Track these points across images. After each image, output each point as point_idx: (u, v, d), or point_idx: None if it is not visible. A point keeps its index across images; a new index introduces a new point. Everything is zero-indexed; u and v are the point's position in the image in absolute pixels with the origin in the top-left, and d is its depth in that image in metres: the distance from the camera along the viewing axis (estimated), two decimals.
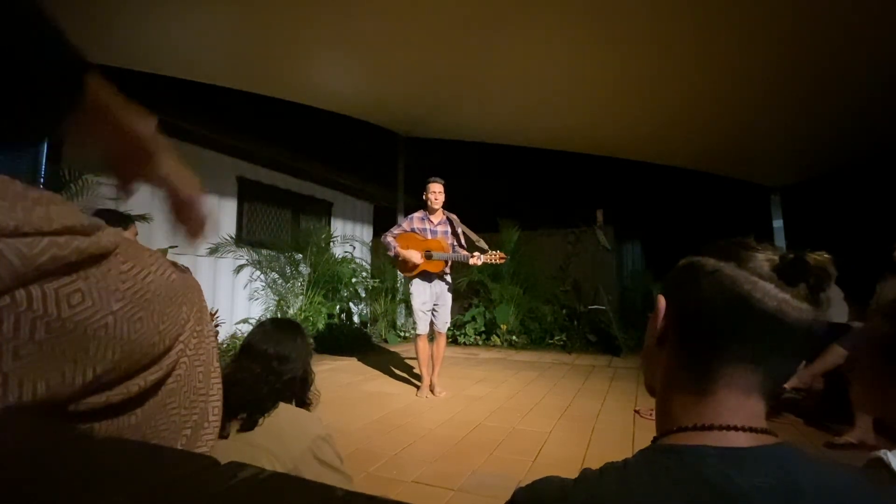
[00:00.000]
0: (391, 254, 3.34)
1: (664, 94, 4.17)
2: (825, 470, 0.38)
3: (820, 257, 0.41)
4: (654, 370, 0.50)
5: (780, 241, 6.02)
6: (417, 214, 3.44)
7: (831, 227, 5.97)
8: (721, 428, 0.41)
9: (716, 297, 0.43)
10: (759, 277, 0.41)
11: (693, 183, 7.09)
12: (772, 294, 0.41)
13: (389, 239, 3.34)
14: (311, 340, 1.23)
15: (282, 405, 1.05)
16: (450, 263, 3.40)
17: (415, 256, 3.25)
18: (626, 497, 0.39)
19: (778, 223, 6.16)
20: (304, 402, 1.14)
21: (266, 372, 1.07)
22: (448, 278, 3.43)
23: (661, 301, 0.49)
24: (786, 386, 2.60)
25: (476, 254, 3.30)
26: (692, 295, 0.45)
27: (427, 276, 3.35)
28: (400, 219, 3.62)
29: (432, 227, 3.40)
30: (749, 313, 0.41)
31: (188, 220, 0.57)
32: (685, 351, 0.46)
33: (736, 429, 0.41)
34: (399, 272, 3.73)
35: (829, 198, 6.20)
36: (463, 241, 3.47)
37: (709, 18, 3.02)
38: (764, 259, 0.42)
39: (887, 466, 0.60)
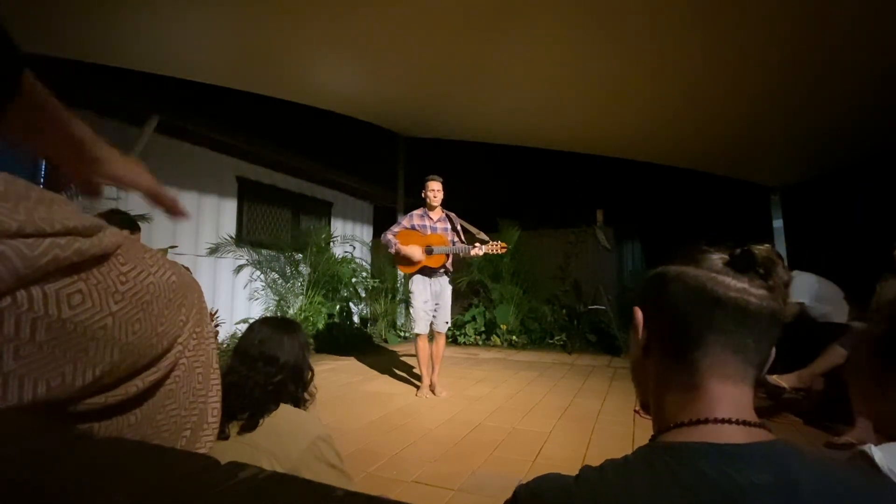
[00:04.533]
0: (392, 251, 3.34)
1: (664, 94, 4.17)
2: (822, 467, 0.38)
3: (763, 247, 0.46)
4: (645, 383, 0.52)
5: (780, 241, 6.02)
6: (417, 212, 3.45)
7: (831, 227, 5.96)
8: (716, 421, 0.43)
9: (684, 297, 0.47)
10: (716, 273, 0.46)
11: (693, 183, 7.07)
12: (731, 285, 0.45)
13: (390, 237, 3.34)
14: (311, 340, 1.22)
15: (281, 406, 1.05)
16: (451, 258, 3.40)
17: (416, 253, 3.25)
18: (628, 495, 0.39)
19: (778, 223, 6.16)
20: (299, 401, 1.13)
21: (255, 375, 1.07)
22: (449, 274, 3.44)
23: (638, 313, 0.52)
24: (786, 386, 2.61)
25: (477, 244, 3.30)
26: (664, 300, 0.49)
27: (428, 273, 3.35)
28: (400, 217, 3.63)
29: (432, 223, 3.41)
30: (716, 305, 0.45)
31: (162, 204, 0.58)
32: (669, 352, 0.49)
33: (730, 422, 0.42)
34: (399, 270, 3.73)
35: (829, 198, 6.19)
36: (463, 238, 3.48)
37: (708, 18, 3.02)
38: (717, 258, 0.48)
39: (870, 459, 0.61)
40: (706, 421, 0.43)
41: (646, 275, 0.54)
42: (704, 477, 0.37)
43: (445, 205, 3.49)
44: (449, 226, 3.45)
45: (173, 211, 0.59)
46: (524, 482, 0.45)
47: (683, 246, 0.51)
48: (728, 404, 0.43)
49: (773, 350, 0.46)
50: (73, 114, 0.47)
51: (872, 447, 0.63)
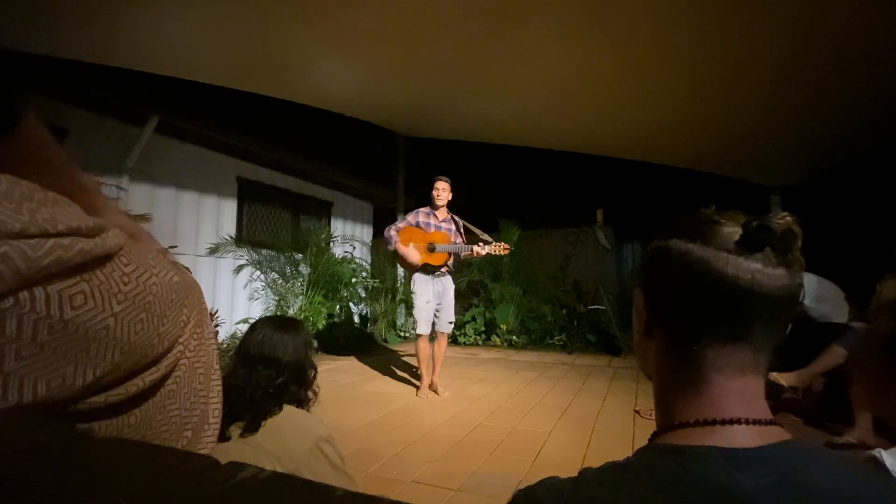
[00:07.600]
0: (390, 248, 3.35)
1: (664, 94, 4.17)
2: (833, 469, 0.37)
3: (783, 219, 0.40)
4: (647, 357, 0.49)
5: None
6: (423, 209, 3.47)
7: (831, 227, 5.95)
8: (724, 422, 0.40)
9: (690, 280, 0.42)
10: (727, 252, 0.40)
11: (693, 183, 7.06)
12: (743, 267, 0.40)
13: (392, 233, 3.34)
14: (315, 341, 1.21)
15: (284, 407, 1.05)
16: (453, 257, 3.41)
17: (413, 256, 3.25)
18: (629, 500, 0.38)
19: None
20: (301, 401, 1.13)
21: (256, 377, 1.06)
22: (451, 273, 3.45)
23: (639, 295, 0.48)
24: (786, 385, 2.61)
25: (480, 244, 3.31)
26: (666, 282, 0.44)
27: (429, 271, 3.35)
28: (405, 214, 3.65)
29: (437, 222, 3.43)
30: (725, 291, 0.40)
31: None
32: (670, 340, 0.45)
33: (740, 422, 0.39)
34: (400, 267, 3.75)
35: (829, 198, 6.19)
36: (465, 239, 3.50)
37: (709, 18, 3.02)
38: (729, 231, 0.42)
39: (881, 465, 0.61)
40: (713, 422, 0.40)
41: (648, 247, 0.48)
42: (709, 482, 0.36)
43: (447, 205, 3.51)
44: (453, 226, 3.47)
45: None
46: (522, 487, 0.43)
47: (691, 212, 0.45)
48: (736, 400, 0.40)
49: (789, 328, 0.42)
50: (73, 165, 0.46)
51: (882, 452, 0.62)
